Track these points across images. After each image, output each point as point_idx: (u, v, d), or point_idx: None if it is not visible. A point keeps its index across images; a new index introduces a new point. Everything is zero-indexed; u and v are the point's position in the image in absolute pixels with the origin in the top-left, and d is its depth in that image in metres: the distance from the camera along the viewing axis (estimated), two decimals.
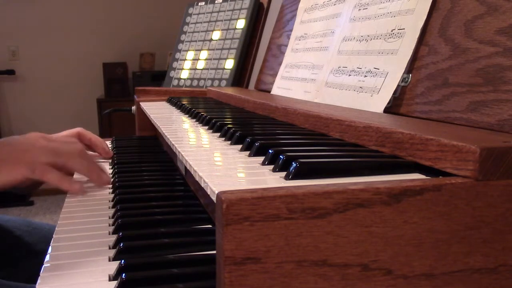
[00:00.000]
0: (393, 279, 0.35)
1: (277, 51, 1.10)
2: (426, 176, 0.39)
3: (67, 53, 3.91)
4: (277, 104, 0.76)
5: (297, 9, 1.03)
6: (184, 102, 1.03)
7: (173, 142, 0.60)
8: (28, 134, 0.71)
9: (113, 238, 0.57)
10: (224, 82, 1.35)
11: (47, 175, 0.63)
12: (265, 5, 1.37)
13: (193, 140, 0.66)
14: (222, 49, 1.40)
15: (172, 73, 1.52)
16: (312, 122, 0.62)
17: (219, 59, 1.39)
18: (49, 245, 0.57)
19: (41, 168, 0.63)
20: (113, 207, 0.69)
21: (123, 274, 0.46)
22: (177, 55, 1.54)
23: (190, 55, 1.50)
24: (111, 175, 0.88)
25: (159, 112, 1.00)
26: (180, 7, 1.79)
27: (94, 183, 0.73)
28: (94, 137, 1.01)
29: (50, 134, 0.98)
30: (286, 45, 1.04)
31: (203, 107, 0.96)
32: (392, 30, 0.67)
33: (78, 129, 1.00)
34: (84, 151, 0.72)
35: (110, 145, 1.12)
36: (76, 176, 0.77)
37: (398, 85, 0.63)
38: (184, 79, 1.48)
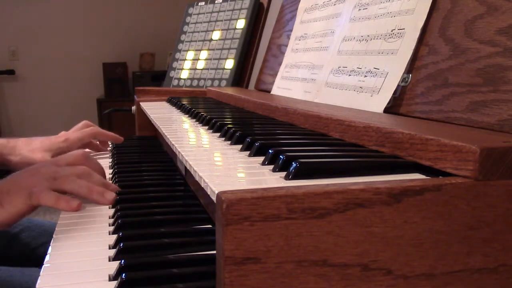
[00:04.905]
0: (393, 279, 0.35)
1: (277, 51, 1.10)
2: (426, 176, 0.39)
3: (67, 53, 3.91)
4: (277, 104, 0.76)
5: (297, 9, 1.03)
6: (184, 102, 1.03)
7: (173, 142, 0.61)
8: (35, 165, 0.72)
9: (113, 238, 0.57)
10: (224, 82, 1.35)
11: (43, 198, 0.63)
12: (265, 5, 1.37)
13: (193, 140, 0.66)
14: (222, 49, 1.40)
15: (172, 73, 1.52)
16: (312, 122, 0.62)
17: (219, 59, 1.39)
18: (50, 239, 0.57)
19: (37, 193, 0.63)
20: (113, 207, 0.69)
21: (123, 274, 0.46)
22: (177, 55, 1.54)
23: (190, 55, 1.50)
24: (110, 175, 0.88)
25: (159, 112, 1.00)
26: (180, 7, 1.79)
27: (97, 203, 0.69)
28: (109, 133, 1.06)
29: (49, 134, 0.99)
30: (286, 45, 1.04)
31: (203, 107, 0.96)
32: (392, 30, 0.67)
33: (93, 130, 1.01)
34: (85, 171, 0.69)
35: (110, 145, 1.12)
36: None
37: (398, 85, 0.62)
38: (184, 79, 1.48)
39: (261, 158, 0.47)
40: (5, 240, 0.90)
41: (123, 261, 0.49)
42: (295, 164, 0.39)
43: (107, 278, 0.47)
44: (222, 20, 1.44)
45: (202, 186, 0.40)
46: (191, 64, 1.48)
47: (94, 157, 1.04)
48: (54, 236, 0.59)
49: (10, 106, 3.91)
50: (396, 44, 0.65)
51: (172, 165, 0.92)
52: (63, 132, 1.01)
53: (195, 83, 1.43)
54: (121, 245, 0.53)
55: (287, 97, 0.92)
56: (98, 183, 0.70)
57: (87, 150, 1.06)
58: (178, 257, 0.52)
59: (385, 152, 0.46)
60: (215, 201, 0.34)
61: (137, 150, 1.13)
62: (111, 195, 0.69)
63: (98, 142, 1.10)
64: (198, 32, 1.51)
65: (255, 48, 1.35)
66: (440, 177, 0.37)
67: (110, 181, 0.83)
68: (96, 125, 1.10)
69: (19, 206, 0.63)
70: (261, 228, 0.32)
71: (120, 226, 0.60)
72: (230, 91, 1.10)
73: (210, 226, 0.62)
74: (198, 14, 1.54)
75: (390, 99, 0.63)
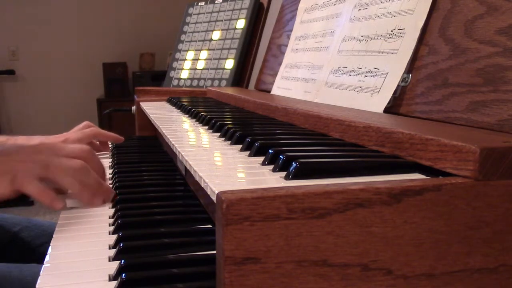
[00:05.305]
0: (393, 279, 0.35)
1: (277, 51, 1.10)
2: (426, 176, 0.39)
3: (67, 53, 3.91)
4: (277, 104, 0.76)
5: (297, 9, 1.03)
6: (184, 102, 1.03)
7: (173, 142, 0.61)
8: (34, 144, 0.69)
9: (113, 238, 0.57)
10: (224, 82, 1.35)
11: (27, 186, 0.61)
12: (265, 5, 1.37)
13: (193, 140, 0.66)
14: (222, 49, 1.40)
15: (172, 73, 1.52)
16: (312, 122, 0.62)
17: (219, 59, 1.39)
18: (50, 239, 0.57)
19: (23, 179, 0.61)
20: (113, 207, 0.69)
21: (123, 274, 0.46)
22: (177, 55, 1.54)
23: (190, 55, 1.50)
24: (110, 175, 0.88)
25: (159, 112, 1.00)
26: (180, 7, 1.79)
27: (85, 204, 0.68)
28: (109, 134, 1.05)
29: (49, 134, 0.99)
30: (286, 45, 1.04)
31: (203, 107, 0.96)
32: (392, 30, 0.67)
33: (93, 131, 1.01)
34: (82, 167, 0.67)
35: (110, 145, 1.12)
36: None
37: (398, 85, 0.62)
38: (184, 79, 1.48)
39: (261, 158, 0.47)
40: (4, 240, 0.90)
41: (123, 261, 0.49)
42: (295, 164, 0.39)
43: (107, 278, 0.47)
44: (222, 20, 1.44)
45: (202, 186, 0.40)
46: (191, 64, 1.48)
47: None
48: (54, 236, 0.59)
49: (10, 106, 3.91)
50: (396, 44, 0.65)
51: (172, 165, 0.92)
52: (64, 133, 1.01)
53: (195, 83, 1.43)
54: (121, 245, 0.53)
55: (287, 97, 0.92)
56: (93, 181, 0.69)
57: None
58: (178, 257, 0.52)
59: (385, 152, 0.46)
60: (215, 201, 0.34)
61: (137, 150, 1.13)
62: (99, 201, 0.67)
63: (98, 143, 1.10)
64: (198, 32, 1.51)
65: (255, 48, 1.35)
66: (440, 177, 0.37)
67: (110, 181, 0.83)
68: (97, 126, 1.10)
69: (1, 189, 0.60)
70: (261, 228, 0.32)
71: (120, 226, 0.60)
72: (230, 91, 1.10)
73: (210, 226, 0.62)
74: (198, 14, 1.54)
75: (390, 99, 0.63)
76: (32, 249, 0.90)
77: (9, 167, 0.62)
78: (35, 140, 0.95)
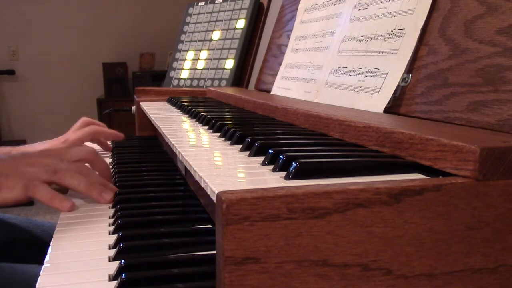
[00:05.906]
0: (393, 279, 0.35)
1: (277, 51, 1.10)
2: (426, 176, 0.39)
3: (67, 53, 3.91)
4: (277, 104, 0.76)
5: (297, 9, 1.03)
6: (184, 102, 1.03)
7: (173, 142, 0.61)
8: (39, 150, 0.71)
9: (113, 238, 0.57)
10: (224, 82, 1.35)
11: (39, 193, 0.64)
12: (265, 5, 1.37)
13: (193, 140, 0.66)
14: (222, 49, 1.40)
15: (172, 73, 1.52)
16: (312, 122, 0.62)
17: (219, 59, 1.39)
18: (51, 239, 0.57)
19: (34, 186, 0.63)
20: (113, 207, 0.69)
21: (123, 274, 0.46)
22: (177, 55, 1.54)
23: (190, 55, 1.50)
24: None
25: (159, 112, 1.00)
26: (180, 7, 1.79)
27: (95, 201, 0.70)
28: (108, 131, 1.07)
29: (49, 134, 1.00)
30: (286, 45, 1.04)
31: (203, 107, 0.96)
32: (392, 30, 0.67)
33: (92, 129, 1.01)
34: (84, 170, 0.70)
35: (111, 145, 1.12)
36: None
37: (398, 85, 0.62)
38: (184, 79, 1.48)
39: (261, 158, 0.47)
40: (5, 241, 0.90)
41: (123, 261, 0.49)
42: (295, 164, 0.39)
43: (107, 278, 0.47)
44: (222, 20, 1.44)
45: (202, 186, 0.40)
46: (191, 64, 1.48)
47: None
48: (54, 236, 0.59)
49: (10, 106, 3.91)
50: (396, 44, 0.65)
51: (172, 165, 0.92)
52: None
53: (195, 83, 1.43)
54: (121, 245, 0.53)
55: (287, 97, 0.92)
56: (96, 182, 0.70)
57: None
58: (178, 257, 0.52)
59: (385, 152, 0.46)
60: (215, 201, 0.34)
61: (137, 150, 1.13)
62: (109, 195, 0.70)
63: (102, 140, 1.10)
64: (198, 32, 1.51)
65: (255, 48, 1.35)
66: (440, 177, 0.37)
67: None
68: (96, 120, 1.11)
69: (15, 194, 0.63)
70: (261, 228, 0.32)
71: (120, 226, 0.60)
72: (230, 91, 1.10)
73: (210, 226, 0.62)
74: (198, 14, 1.54)
75: (390, 99, 0.63)
76: (33, 250, 0.90)
77: (19, 172, 0.65)
78: (38, 146, 0.96)
